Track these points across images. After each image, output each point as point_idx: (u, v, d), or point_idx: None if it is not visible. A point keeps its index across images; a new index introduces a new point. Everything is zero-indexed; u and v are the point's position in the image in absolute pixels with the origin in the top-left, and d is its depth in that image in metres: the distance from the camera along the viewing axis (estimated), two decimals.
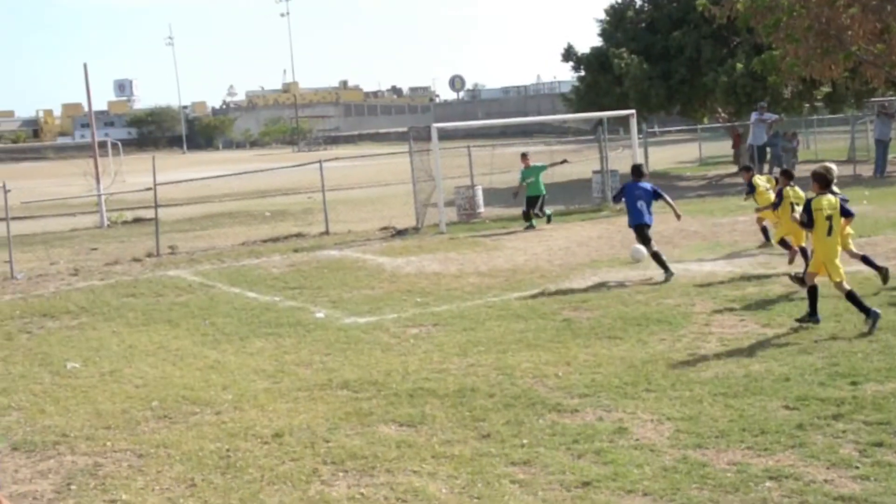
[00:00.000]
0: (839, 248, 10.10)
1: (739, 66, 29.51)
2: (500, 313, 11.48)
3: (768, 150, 28.85)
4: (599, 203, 23.48)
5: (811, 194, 10.32)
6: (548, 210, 20.74)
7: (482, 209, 22.85)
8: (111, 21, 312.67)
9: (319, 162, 23.00)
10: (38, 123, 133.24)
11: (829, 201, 9.88)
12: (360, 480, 6.39)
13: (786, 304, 10.97)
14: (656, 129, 35.69)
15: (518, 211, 21.03)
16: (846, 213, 10.33)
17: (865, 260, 11.84)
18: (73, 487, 6.64)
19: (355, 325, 11.38)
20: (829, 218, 9.82)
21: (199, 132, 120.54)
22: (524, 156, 21.15)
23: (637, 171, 14.34)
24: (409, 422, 7.55)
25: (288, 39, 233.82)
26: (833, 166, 10.53)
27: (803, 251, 12.40)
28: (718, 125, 37.14)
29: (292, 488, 6.33)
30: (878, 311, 9.60)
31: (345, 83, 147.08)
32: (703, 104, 34.55)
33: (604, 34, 36.08)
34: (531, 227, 20.15)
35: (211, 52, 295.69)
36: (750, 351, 9.02)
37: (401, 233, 20.49)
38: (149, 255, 18.81)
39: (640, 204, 13.80)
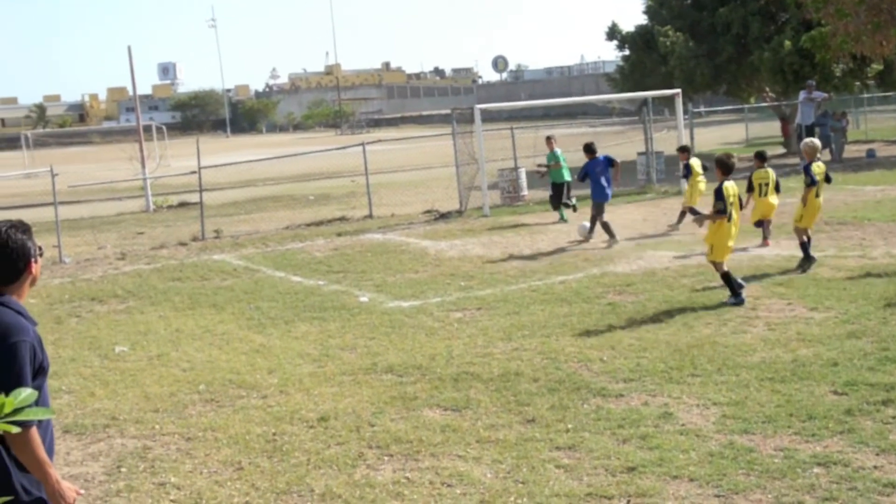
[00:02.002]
0: (736, 234, 10.68)
1: (788, 43, 28.97)
2: (544, 297, 11.44)
3: (816, 129, 28.34)
4: (644, 185, 23.27)
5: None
6: (573, 199, 19.21)
7: (526, 192, 22.74)
8: (155, 4, 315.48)
9: (362, 145, 23.05)
10: (84, 108, 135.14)
11: (733, 188, 10.51)
12: (405, 465, 6.42)
13: (834, 288, 10.80)
14: (702, 109, 35.19)
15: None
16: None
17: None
18: (122, 470, 6.75)
19: (399, 309, 11.41)
20: (732, 205, 10.44)
21: (242, 115, 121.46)
22: (549, 139, 19.77)
23: (590, 148, 16.01)
24: (454, 406, 7.56)
25: (330, 21, 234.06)
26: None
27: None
28: (765, 104, 36.54)
29: (338, 472, 6.38)
30: (745, 299, 10.26)
31: (387, 65, 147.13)
32: (750, 83, 34.01)
33: (649, 12, 35.64)
34: (563, 220, 18.69)
35: (254, 34, 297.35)
36: (797, 335, 8.90)
37: (444, 216, 20.49)
38: (194, 240, 19.02)
39: (603, 180, 15.66)
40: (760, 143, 37.17)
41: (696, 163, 16.75)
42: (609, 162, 15.96)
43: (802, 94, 27.51)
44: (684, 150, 17.40)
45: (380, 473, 6.30)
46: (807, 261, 12.00)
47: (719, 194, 10.42)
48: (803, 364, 7.93)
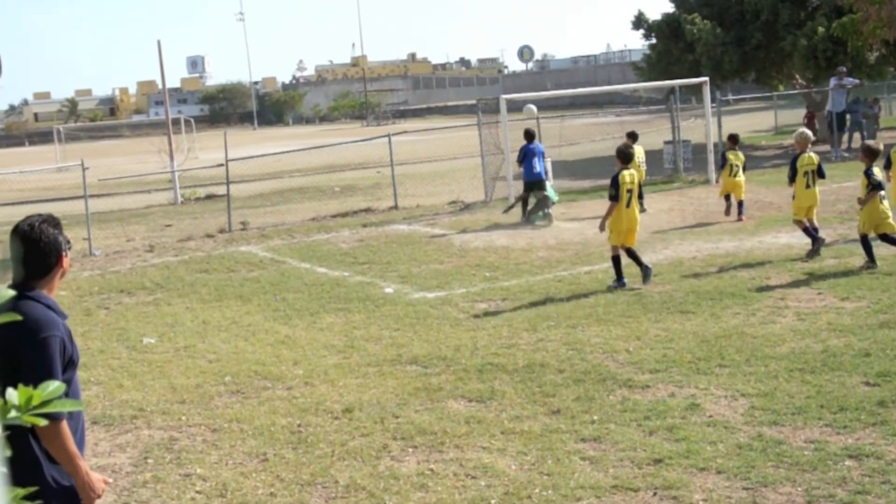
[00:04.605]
0: (638, 219, 11.45)
1: (821, 30, 28.55)
2: (570, 288, 11.37)
3: (848, 116, 27.94)
4: (671, 174, 23.07)
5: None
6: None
7: (551, 182, 22.58)
8: None
9: (388, 136, 23.01)
10: (115, 102, 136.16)
11: (631, 176, 11.17)
12: (429, 456, 6.40)
13: (866, 277, 10.65)
14: (730, 97, 34.78)
15: (582, 184, 20.63)
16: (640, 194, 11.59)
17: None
18: (149, 461, 6.79)
19: (424, 300, 11.39)
20: (630, 191, 11.09)
21: (269, 108, 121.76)
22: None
23: (530, 134, 17.94)
24: (479, 397, 7.53)
25: (356, 12, 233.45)
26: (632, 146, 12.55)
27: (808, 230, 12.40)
28: (795, 91, 36.08)
29: (362, 463, 6.36)
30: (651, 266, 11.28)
31: (413, 56, 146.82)
32: (780, 70, 33.57)
33: (675, 0, 35.26)
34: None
35: (281, 27, 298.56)
36: (828, 325, 8.78)
37: (469, 207, 20.42)
38: (221, 231, 19.10)
39: (535, 161, 17.35)
40: (790, 130, 36.71)
41: (639, 150, 17.24)
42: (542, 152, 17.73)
43: (833, 81, 27.11)
44: (630, 136, 17.79)
45: (404, 465, 6.29)
46: (816, 243, 12.07)
47: (614, 181, 11.12)
48: (834, 354, 7.81)
